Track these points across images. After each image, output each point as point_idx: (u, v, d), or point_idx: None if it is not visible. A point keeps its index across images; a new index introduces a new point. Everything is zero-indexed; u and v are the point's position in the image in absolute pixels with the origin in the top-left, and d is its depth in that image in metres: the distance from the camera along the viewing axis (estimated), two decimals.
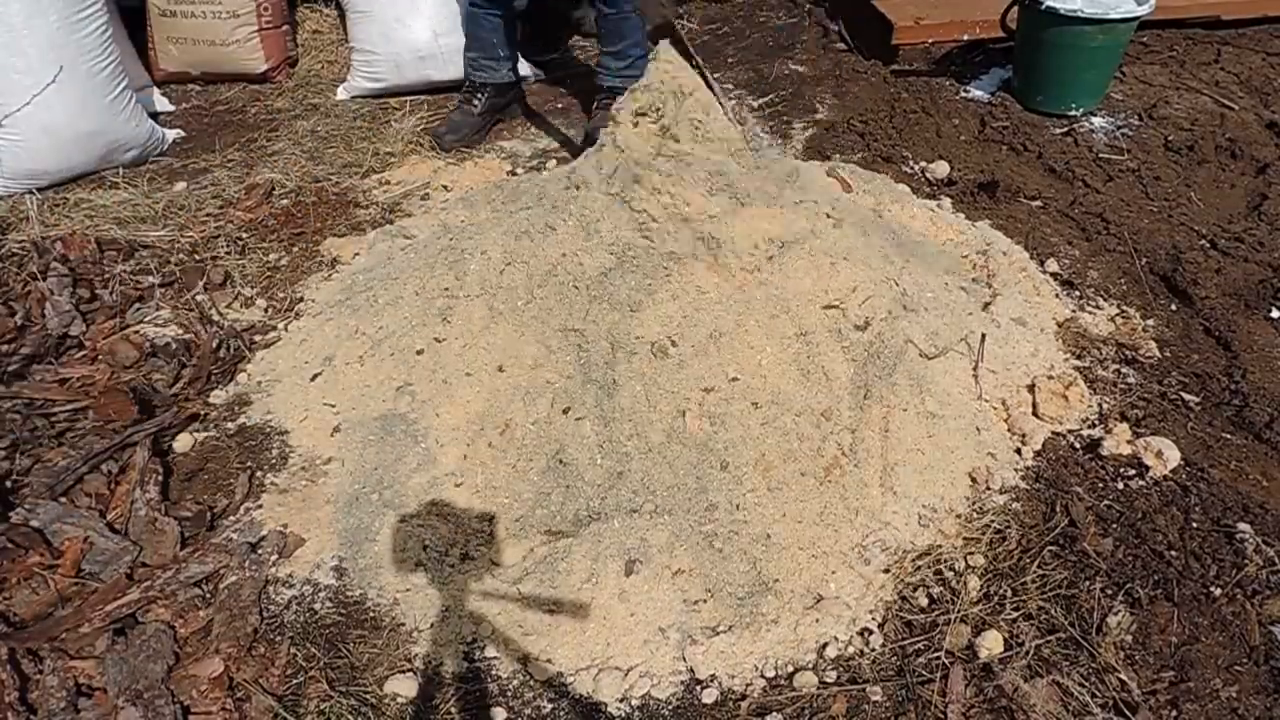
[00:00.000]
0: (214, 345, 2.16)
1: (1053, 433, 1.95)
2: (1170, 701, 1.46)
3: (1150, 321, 2.30)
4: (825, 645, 1.57)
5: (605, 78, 3.01)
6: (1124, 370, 2.14)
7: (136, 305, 2.28)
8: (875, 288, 1.93)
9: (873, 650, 1.58)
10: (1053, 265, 2.45)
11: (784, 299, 1.84)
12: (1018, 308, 2.17)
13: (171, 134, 3.08)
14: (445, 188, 2.86)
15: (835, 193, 2.29)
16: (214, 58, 3.30)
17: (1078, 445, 1.93)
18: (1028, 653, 1.53)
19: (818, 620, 1.59)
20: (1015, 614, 1.60)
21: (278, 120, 3.24)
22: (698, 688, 1.51)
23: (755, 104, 3.41)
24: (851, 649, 1.58)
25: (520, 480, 1.75)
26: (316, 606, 1.63)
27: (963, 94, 3.36)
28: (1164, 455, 1.84)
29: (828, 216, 2.00)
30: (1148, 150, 2.98)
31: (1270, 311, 2.30)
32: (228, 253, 2.51)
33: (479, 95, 3.07)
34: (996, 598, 1.63)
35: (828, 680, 1.53)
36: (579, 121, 3.28)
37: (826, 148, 3.04)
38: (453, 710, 1.48)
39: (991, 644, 1.54)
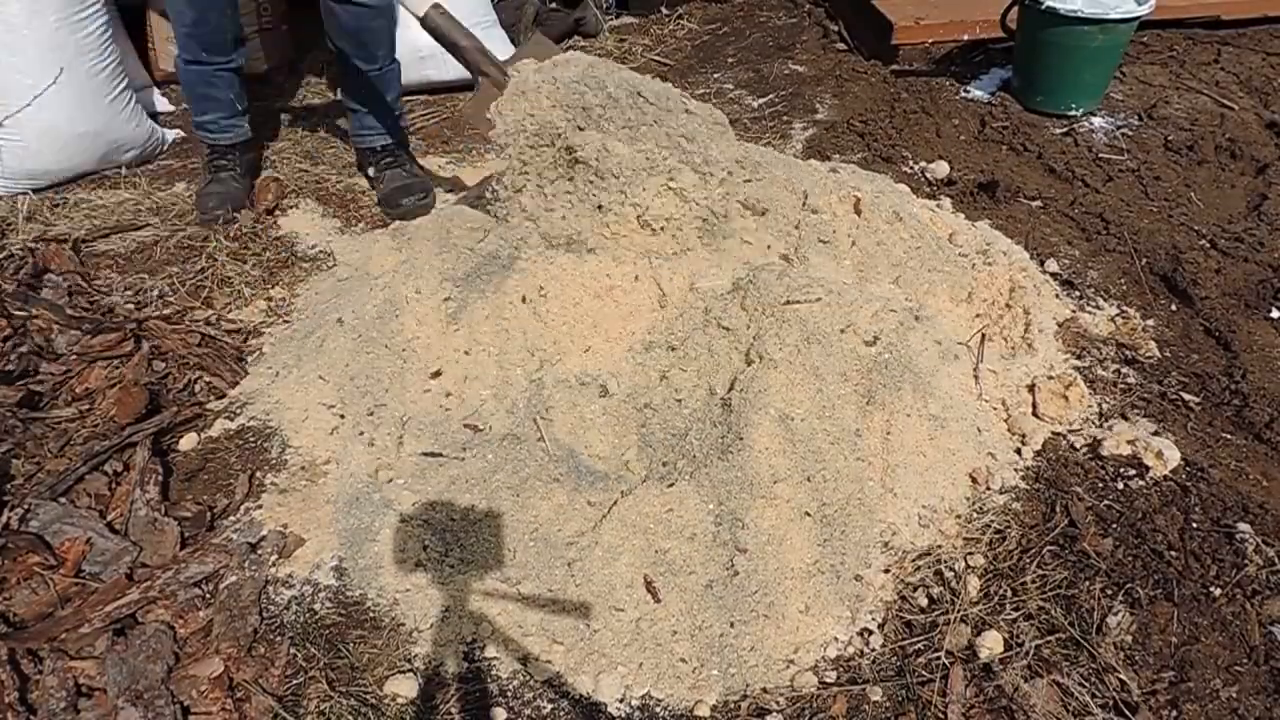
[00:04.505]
0: (214, 346, 2.16)
1: (1053, 433, 1.95)
2: (1170, 701, 1.46)
3: (1150, 321, 2.30)
4: (825, 645, 1.57)
5: (370, 137, 2.80)
6: (1124, 370, 2.14)
7: (137, 306, 2.28)
8: (887, 301, 1.94)
9: (873, 650, 1.58)
10: (1053, 265, 2.45)
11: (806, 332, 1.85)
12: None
13: (171, 134, 3.08)
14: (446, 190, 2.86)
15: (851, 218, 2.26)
16: None
17: (1078, 445, 1.94)
18: (1028, 653, 1.53)
19: (818, 620, 1.59)
20: (1015, 614, 1.60)
21: (278, 120, 3.24)
22: (698, 687, 1.51)
23: (755, 104, 3.41)
24: (851, 649, 1.58)
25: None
26: (316, 607, 1.63)
27: (963, 94, 3.36)
28: (1164, 455, 1.84)
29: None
30: (1148, 150, 2.98)
31: (1270, 311, 2.30)
32: (228, 253, 2.51)
33: (230, 157, 2.74)
34: (996, 598, 1.63)
35: (828, 680, 1.53)
36: None
37: (826, 148, 3.04)
38: (453, 710, 1.48)
39: (991, 644, 1.54)
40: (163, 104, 3.28)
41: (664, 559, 1.61)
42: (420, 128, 3.18)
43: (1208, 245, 2.54)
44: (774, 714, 1.48)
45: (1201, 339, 2.24)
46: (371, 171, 2.83)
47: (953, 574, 1.67)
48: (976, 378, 1.97)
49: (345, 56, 2.63)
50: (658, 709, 1.49)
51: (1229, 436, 1.95)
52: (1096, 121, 3.16)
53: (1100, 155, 2.96)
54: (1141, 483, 1.83)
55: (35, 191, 2.69)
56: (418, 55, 3.22)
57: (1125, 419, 1.98)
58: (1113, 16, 2.95)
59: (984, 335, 2.04)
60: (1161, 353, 2.19)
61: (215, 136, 2.71)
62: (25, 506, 1.72)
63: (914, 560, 1.70)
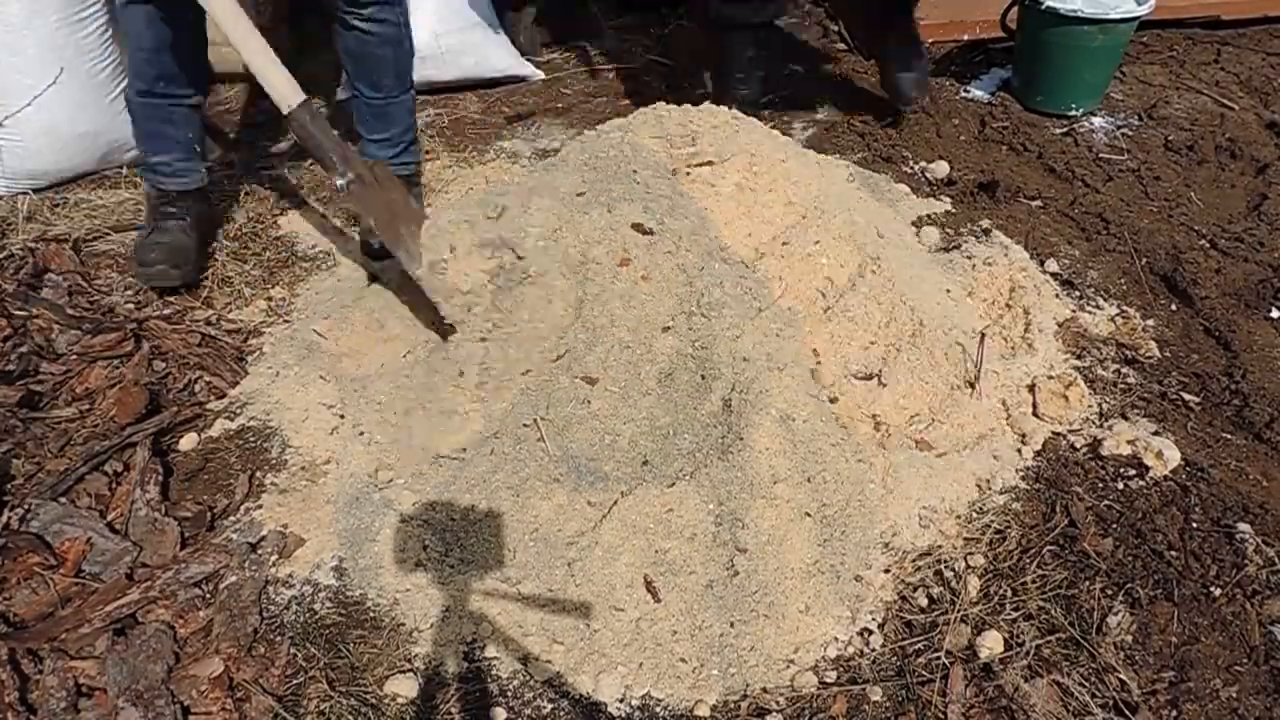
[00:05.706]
0: (214, 346, 2.16)
1: (1053, 433, 1.95)
2: (1170, 701, 1.46)
3: (1150, 321, 2.30)
4: (825, 645, 1.57)
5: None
6: (1124, 370, 2.14)
7: (137, 306, 2.28)
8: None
9: (873, 650, 1.58)
10: (1053, 265, 2.45)
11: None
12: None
13: None
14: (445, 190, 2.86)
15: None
16: (214, 58, 3.28)
17: (1078, 445, 1.94)
18: (1028, 653, 1.53)
19: (818, 620, 1.59)
20: (1015, 614, 1.60)
21: (278, 120, 3.24)
22: (698, 687, 1.51)
23: None
24: (851, 649, 1.58)
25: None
26: (316, 607, 1.63)
27: (963, 94, 3.36)
28: (1164, 455, 1.84)
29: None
30: (1148, 150, 2.98)
31: (1270, 311, 2.30)
32: (228, 253, 2.51)
33: (180, 205, 2.38)
34: (996, 598, 1.63)
35: (828, 680, 1.53)
36: (579, 122, 3.28)
37: (826, 148, 3.03)
38: (453, 710, 1.48)
39: (991, 644, 1.54)
40: None
41: (664, 559, 1.61)
42: (420, 130, 3.17)
43: (1208, 245, 2.54)
44: (774, 714, 1.48)
45: (1201, 339, 2.24)
46: None
47: (953, 574, 1.67)
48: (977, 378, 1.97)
49: (352, 81, 2.51)
50: (658, 709, 1.50)
51: (1229, 436, 1.95)
52: (1096, 121, 3.16)
53: (1100, 155, 2.96)
54: (1141, 483, 1.83)
55: (35, 191, 2.68)
56: (418, 55, 3.21)
57: (1125, 419, 1.98)
58: (1113, 16, 2.95)
59: (984, 335, 2.04)
60: (1161, 353, 2.19)
61: (166, 181, 2.36)
62: (25, 506, 1.72)
63: (914, 560, 1.70)
